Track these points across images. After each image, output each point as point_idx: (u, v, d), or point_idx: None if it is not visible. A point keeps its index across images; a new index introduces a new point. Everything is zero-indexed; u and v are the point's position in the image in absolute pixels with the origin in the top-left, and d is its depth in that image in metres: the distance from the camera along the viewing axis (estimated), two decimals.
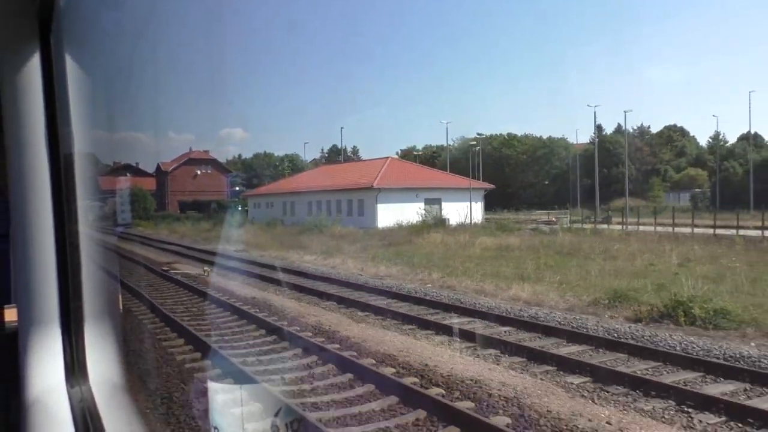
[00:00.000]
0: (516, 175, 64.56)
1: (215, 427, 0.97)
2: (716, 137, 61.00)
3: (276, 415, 0.96)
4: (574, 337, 7.71)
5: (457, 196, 34.15)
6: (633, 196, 55.71)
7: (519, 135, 67.36)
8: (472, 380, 5.82)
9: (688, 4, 75.09)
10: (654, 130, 66.03)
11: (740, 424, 4.76)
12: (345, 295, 11.11)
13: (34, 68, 1.58)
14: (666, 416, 4.96)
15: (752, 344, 7.19)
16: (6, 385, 1.63)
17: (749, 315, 8.14)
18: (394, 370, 6.24)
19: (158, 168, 59.82)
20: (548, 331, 8.06)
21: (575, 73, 79.72)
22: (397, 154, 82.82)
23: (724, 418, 4.88)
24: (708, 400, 5.21)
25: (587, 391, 5.64)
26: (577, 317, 8.89)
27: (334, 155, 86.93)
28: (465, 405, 5.10)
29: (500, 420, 4.76)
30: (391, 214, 30.75)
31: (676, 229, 22.02)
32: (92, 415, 1.50)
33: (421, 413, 4.93)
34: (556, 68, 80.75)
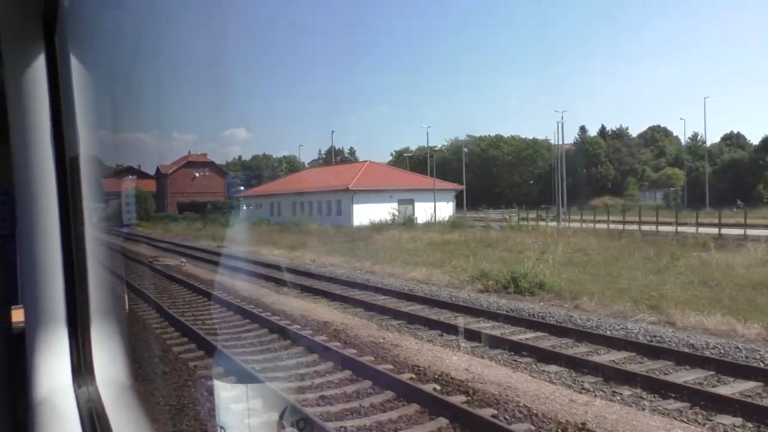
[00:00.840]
0: (503, 175, 67.61)
1: (221, 427, 0.99)
2: (694, 137, 63.62)
3: (281, 414, 0.98)
4: (424, 301, 10.88)
5: (429, 196, 37.31)
6: (612, 194, 58.75)
7: (506, 136, 70.29)
8: (324, 322, 9.06)
9: (681, 3, 77.58)
10: (641, 129, 68.81)
11: (469, 340, 7.94)
12: (283, 277, 14.36)
13: (39, 69, 1.61)
14: (429, 338, 8.15)
15: (540, 304, 10.36)
16: (13, 385, 1.64)
17: (558, 287, 11.29)
18: (279, 317, 9.48)
19: (158, 171, 63.49)
20: (412, 298, 11.24)
21: (569, 74, 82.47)
22: (391, 155, 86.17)
23: (461, 337, 8.06)
24: (462, 329, 8.39)
25: (394, 327, 8.86)
26: (442, 290, 12.08)
27: (332, 156, 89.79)
28: (305, 332, 8.32)
29: (320, 338, 7.97)
30: (366, 213, 33.97)
31: (603, 226, 25.11)
32: (99, 415, 1.54)
33: (276, 335, 8.18)
34: (551, 69, 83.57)
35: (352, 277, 14.43)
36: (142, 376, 6.20)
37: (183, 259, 18.64)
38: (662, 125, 69.77)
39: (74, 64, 1.69)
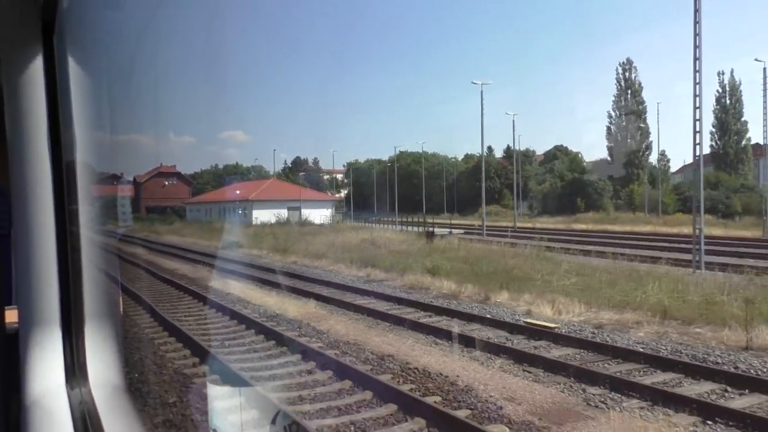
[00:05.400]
0: (421, 186, 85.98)
1: (214, 429, 1.09)
2: (574, 157, 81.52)
3: (273, 420, 1.07)
4: (184, 250, 29.27)
5: (313, 205, 55.87)
6: (495, 203, 76.78)
7: (429, 153, 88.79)
8: (140, 253, 27.54)
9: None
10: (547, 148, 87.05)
11: (186, 260, 26.34)
12: (151, 246, 32.84)
13: (37, 70, 1.72)
14: (174, 259, 26.59)
15: (234, 251, 28.72)
16: (6, 387, 1.72)
17: (250, 245, 29.64)
18: (127, 257, 27.90)
19: (134, 179, 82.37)
20: (184, 249, 29.64)
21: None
22: (343, 166, 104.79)
23: (182, 261, 26.47)
24: (185, 256, 26.81)
25: (163, 255, 27.33)
26: (203, 248, 30.47)
27: (297, 166, 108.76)
28: (125, 255, 26.74)
29: (129, 259, 26.39)
30: (262, 216, 52.58)
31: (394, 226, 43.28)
32: (92, 417, 1.62)
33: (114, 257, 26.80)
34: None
35: (184, 246, 32.92)
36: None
37: None
38: (564, 144, 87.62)
39: (72, 65, 1.81)
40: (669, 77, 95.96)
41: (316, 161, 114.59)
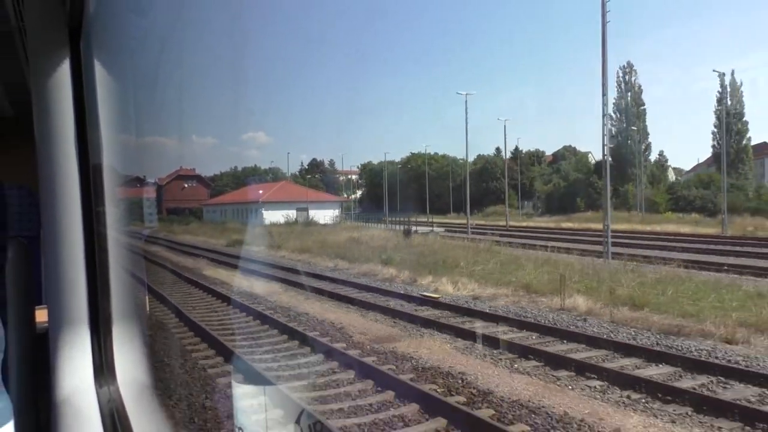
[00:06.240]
0: (430, 187, 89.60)
1: (239, 428, 1.11)
2: (582, 157, 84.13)
3: (297, 419, 1.09)
4: (190, 246, 33.52)
5: (320, 206, 60.05)
6: (501, 203, 79.97)
7: (438, 155, 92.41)
8: (148, 250, 31.90)
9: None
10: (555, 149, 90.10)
11: (194, 256, 30.58)
12: (174, 246, 37.22)
13: (64, 75, 1.82)
14: (177, 254, 30.87)
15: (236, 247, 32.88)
16: (36, 385, 1.76)
17: (250, 243, 33.76)
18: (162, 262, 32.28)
19: (156, 182, 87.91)
20: (191, 247, 33.90)
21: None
22: (357, 167, 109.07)
23: (186, 254, 30.71)
24: (199, 254, 31.06)
25: (170, 249, 31.63)
26: (210, 246, 34.68)
27: (313, 168, 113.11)
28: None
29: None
30: (273, 216, 56.93)
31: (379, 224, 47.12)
32: (120, 414, 1.70)
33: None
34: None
35: (194, 243, 37.21)
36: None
37: None
38: (572, 145, 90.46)
39: (98, 70, 1.92)
40: (678, 77, 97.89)
41: (332, 163, 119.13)
